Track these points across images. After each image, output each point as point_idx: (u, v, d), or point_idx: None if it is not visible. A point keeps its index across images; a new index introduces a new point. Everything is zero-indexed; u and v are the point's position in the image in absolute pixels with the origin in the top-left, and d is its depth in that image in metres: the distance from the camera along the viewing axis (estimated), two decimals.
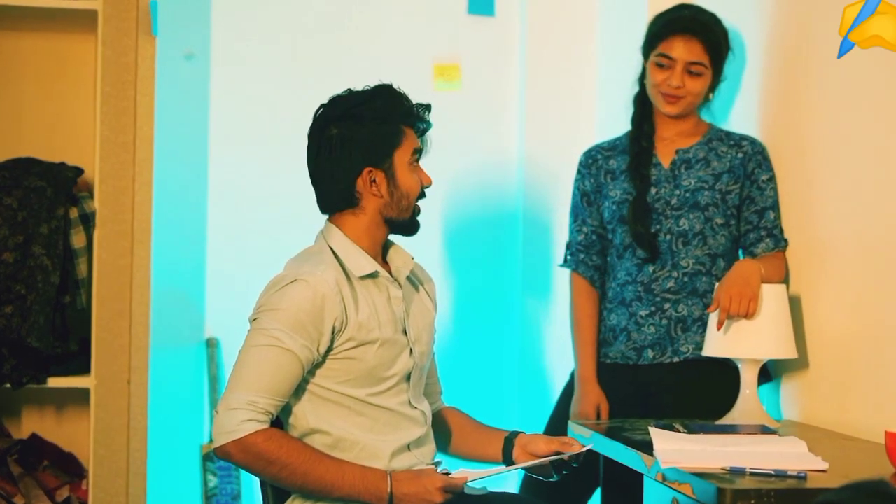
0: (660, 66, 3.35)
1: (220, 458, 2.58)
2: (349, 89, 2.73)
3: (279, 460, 2.52)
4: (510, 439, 2.78)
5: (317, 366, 2.62)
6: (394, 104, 2.69)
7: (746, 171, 3.34)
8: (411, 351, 2.71)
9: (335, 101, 2.71)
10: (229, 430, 2.52)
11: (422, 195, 2.73)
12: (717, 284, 3.16)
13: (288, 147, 4.30)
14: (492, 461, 2.80)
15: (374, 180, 2.67)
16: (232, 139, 4.30)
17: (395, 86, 2.73)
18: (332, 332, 2.60)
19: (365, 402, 2.65)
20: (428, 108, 2.74)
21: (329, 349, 2.61)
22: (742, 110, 3.57)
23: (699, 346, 3.30)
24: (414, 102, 2.72)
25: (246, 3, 4.33)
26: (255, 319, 2.62)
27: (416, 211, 2.73)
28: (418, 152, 2.72)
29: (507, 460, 2.77)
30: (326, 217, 2.75)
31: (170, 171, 4.07)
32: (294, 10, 4.35)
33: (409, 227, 2.74)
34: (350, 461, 2.60)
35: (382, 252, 2.76)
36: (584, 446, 2.69)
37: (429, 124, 2.75)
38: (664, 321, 3.34)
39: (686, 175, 3.36)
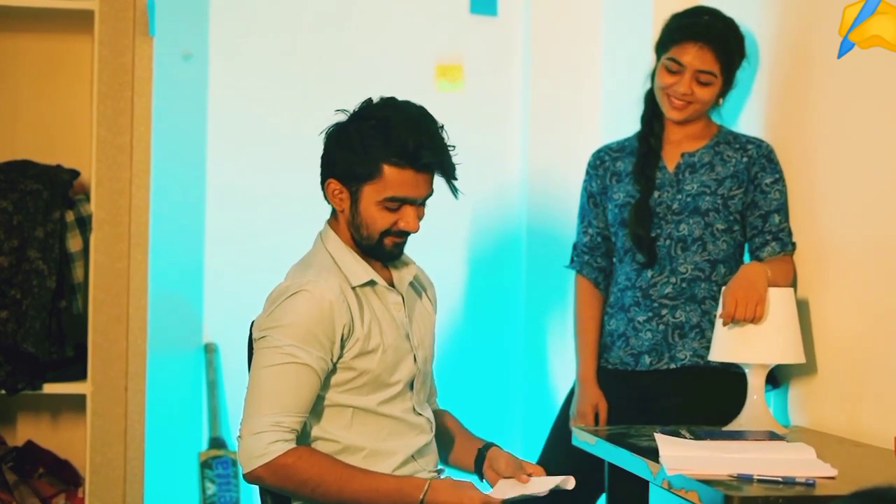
0: (669, 70, 3.34)
1: (250, 482, 2.57)
2: (392, 98, 2.65)
3: (312, 479, 2.53)
4: (482, 452, 2.75)
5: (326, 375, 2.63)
6: (388, 139, 2.58)
7: (750, 176, 3.33)
8: (415, 357, 2.71)
9: (365, 104, 2.66)
10: (258, 454, 2.51)
11: (400, 234, 2.65)
12: (723, 289, 3.16)
13: (288, 148, 4.31)
14: (467, 470, 2.79)
15: (340, 192, 2.64)
16: (231, 141, 4.30)
17: (400, 117, 2.59)
18: (342, 340, 2.60)
19: (369, 410, 2.65)
20: (437, 152, 2.60)
21: (339, 357, 2.62)
22: (749, 111, 3.57)
23: (696, 353, 3.30)
24: (419, 147, 2.57)
25: (245, 2, 4.33)
26: (262, 338, 2.59)
27: (388, 245, 2.65)
28: (398, 200, 2.60)
29: (479, 472, 2.74)
30: (326, 219, 2.76)
31: (167, 174, 4.08)
32: (293, 10, 4.35)
33: (375, 253, 2.67)
34: (383, 473, 2.60)
35: None
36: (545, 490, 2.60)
37: (442, 174, 2.62)
38: (661, 327, 3.34)
39: (689, 179, 3.36)
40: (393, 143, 2.58)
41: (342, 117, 2.69)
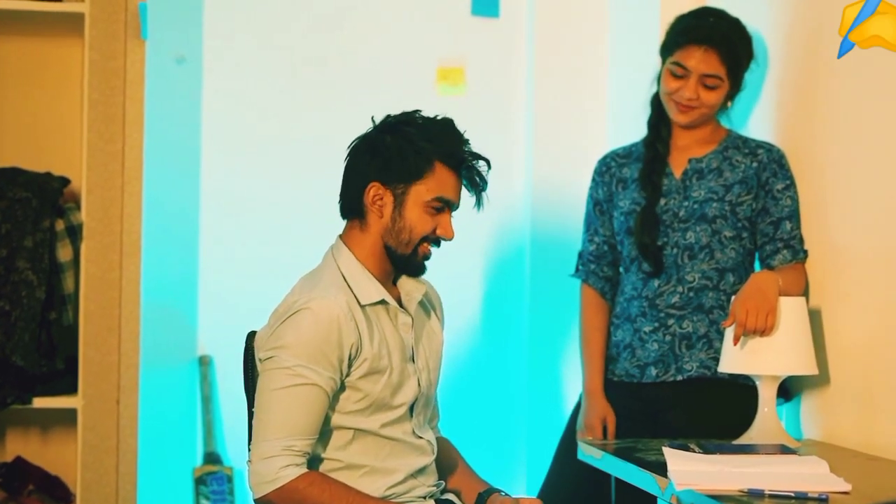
0: (674, 74, 3.35)
1: None
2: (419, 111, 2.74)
3: None
4: (483, 496, 2.76)
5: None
6: (437, 138, 2.66)
7: (760, 181, 3.33)
8: (419, 381, 2.72)
9: (401, 114, 2.73)
10: (270, 479, 2.54)
11: (436, 243, 2.71)
12: (733, 298, 3.16)
13: (285, 154, 4.32)
14: None
15: (381, 198, 2.68)
16: (225, 146, 4.30)
17: (455, 125, 2.71)
18: (349, 358, 2.61)
19: (371, 432, 2.66)
20: (479, 160, 2.69)
21: (346, 375, 2.63)
22: (758, 115, 3.58)
23: (704, 364, 3.31)
24: (468, 150, 2.68)
25: (240, 3, 4.34)
26: (270, 358, 2.60)
27: (422, 253, 2.70)
28: (443, 202, 2.68)
29: None
30: (339, 234, 2.76)
31: (160, 181, 4.08)
32: (290, 12, 4.35)
33: (407, 264, 2.71)
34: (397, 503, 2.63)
35: (395, 274, 2.76)
36: None
37: (475, 183, 2.70)
38: (668, 337, 3.34)
39: (697, 186, 3.36)
40: (445, 143, 2.67)
41: (356, 128, 2.74)
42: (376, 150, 2.69)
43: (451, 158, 2.67)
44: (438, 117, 2.72)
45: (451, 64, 4.46)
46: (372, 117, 2.75)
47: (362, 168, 2.70)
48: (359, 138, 2.74)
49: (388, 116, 2.74)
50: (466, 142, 2.70)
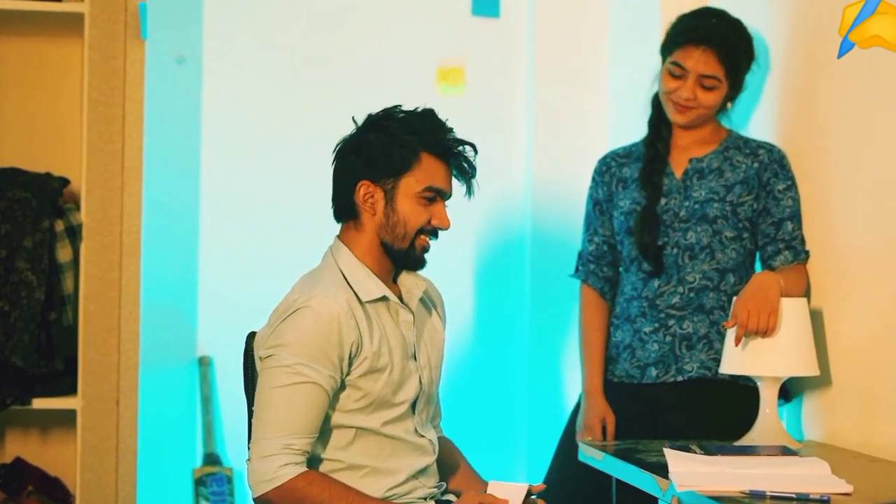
0: (672, 74, 3.34)
1: None
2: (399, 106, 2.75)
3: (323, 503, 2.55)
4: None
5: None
6: (420, 129, 2.67)
7: (761, 182, 3.33)
8: (420, 378, 2.72)
9: (381, 111, 2.73)
10: (269, 478, 2.54)
11: (433, 234, 2.72)
12: (734, 299, 3.16)
13: (285, 154, 4.32)
14: None
15: (372, 195, 2.68)
16: (225, 146, 4.30)
17: (437, 114, 2.71)
18: (350, 357, 2.61)
19: (372, 430, 2.66)
20: (465, 146, 2.70)
21: (347, 374, 2.63)
22: (760, 116, 3.58)
23: (704, 365, 3.31)
24: (452, 138, 2.69)
25: (240, 3, 4.34)
26: (269, 356, 2.60)
27: (420, 246, 2.70)
28: (434, 191, 2.68)
29: None
30: (336, 235, 2.77)
31: (160, 181, 4.08)
32: (290, 12, 4.35)
33: (407, 258, 2.71)
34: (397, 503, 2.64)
35: (394, 272, 2.76)
36: None
37: (464, 170, 2.70)
38: (668, 338, 3.34)
39: (697, 186, 3.36)
40: (428, 133, 2.67)
41: (350, 129, 2.74)
42: (361, 149, 2.70)
43: (436, 147, 2.68)
44: (419, 109, 2.72)
45: (451, 64, 4.45)
46: (353, 118, 2.75)
47: (349, 169, 2.71)
48: (342, 140, 2.75)
49: (370, 115, 2.74)
50: (450, 130, 2.71)
